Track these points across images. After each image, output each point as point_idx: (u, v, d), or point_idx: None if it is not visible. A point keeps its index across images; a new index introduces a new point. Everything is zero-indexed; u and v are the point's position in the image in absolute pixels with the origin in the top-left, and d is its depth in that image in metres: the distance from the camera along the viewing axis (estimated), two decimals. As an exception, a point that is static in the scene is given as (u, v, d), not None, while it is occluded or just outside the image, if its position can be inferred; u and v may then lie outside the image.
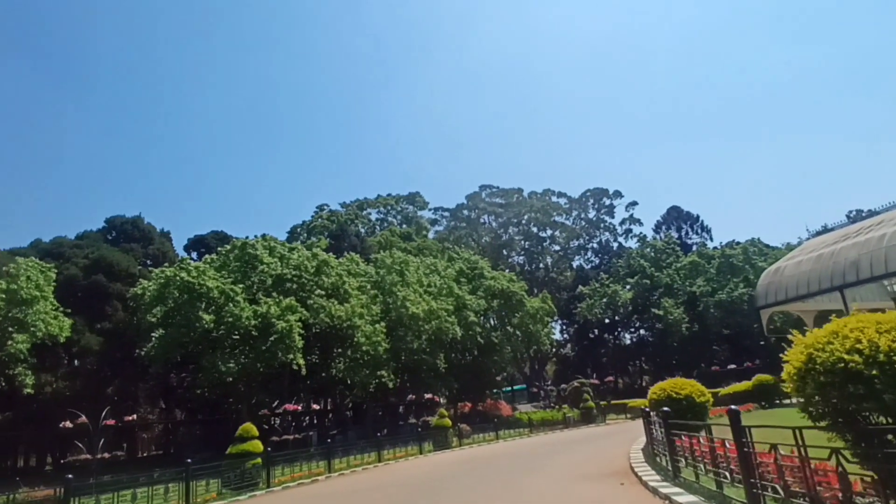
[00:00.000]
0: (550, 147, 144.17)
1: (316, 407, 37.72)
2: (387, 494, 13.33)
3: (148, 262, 40.96)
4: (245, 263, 36.07)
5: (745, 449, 6.45)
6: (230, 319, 31.06)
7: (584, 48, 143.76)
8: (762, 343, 35.95)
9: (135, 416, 32.06)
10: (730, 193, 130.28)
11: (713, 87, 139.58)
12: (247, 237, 37.79)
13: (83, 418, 29.68)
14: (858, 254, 25.07)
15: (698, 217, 79.87)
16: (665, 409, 11.29)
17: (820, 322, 31.98)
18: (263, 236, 39.32)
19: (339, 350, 37.17)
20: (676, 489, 9.14)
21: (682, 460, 10.00)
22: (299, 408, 33.76)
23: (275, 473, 18.15)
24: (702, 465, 8.88)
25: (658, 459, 12.31)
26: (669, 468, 10.41)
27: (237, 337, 32.09)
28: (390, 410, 46.57)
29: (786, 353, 6.18)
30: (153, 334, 31.64)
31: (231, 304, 31.65)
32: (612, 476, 11.93)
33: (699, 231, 78.47)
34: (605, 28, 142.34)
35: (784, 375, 6.10)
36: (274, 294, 34.36)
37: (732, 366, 41.83)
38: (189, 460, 14.75)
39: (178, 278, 31.14)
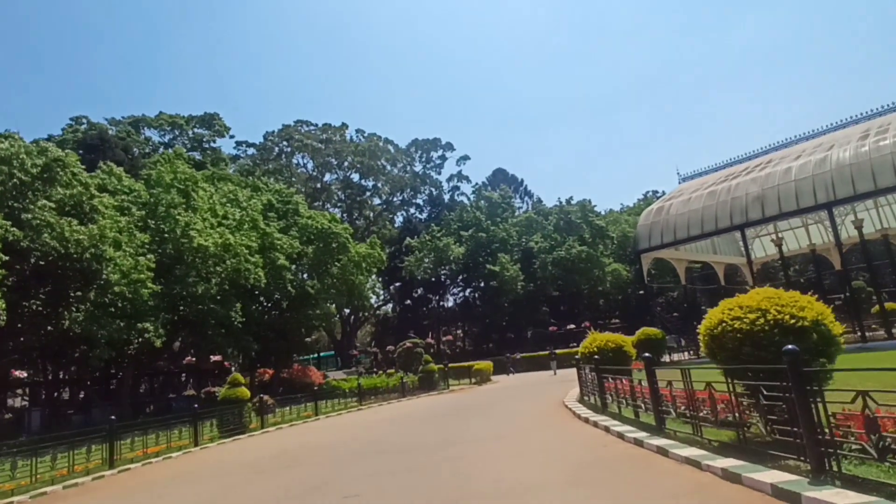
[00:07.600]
0: (376, 101, 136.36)
1: (22, 376, 25.32)
2: None
3: None
4: None
5: (655, 385, 8.84)
6: None
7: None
8: (641, 292, 32.66)
9: None
10: (546, 164, 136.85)
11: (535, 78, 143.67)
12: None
13: None
14: (762, 189, 21.58)
15: (522, 181, 78.76)
16: (596, 357, 13.59)
17: (690, 272, 29.17)
18: (-46, 115, 25.04)
19: (80, 293, 25.32)
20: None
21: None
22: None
23: None
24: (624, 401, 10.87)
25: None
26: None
27: None
28: (159, 380, 35.12)
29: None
30: None
31: None
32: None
33: (523, 196, 77.29)
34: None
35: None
36: (-45, 196, 21.44)
37: (571, 325, 38.71)
38: None
39: None
